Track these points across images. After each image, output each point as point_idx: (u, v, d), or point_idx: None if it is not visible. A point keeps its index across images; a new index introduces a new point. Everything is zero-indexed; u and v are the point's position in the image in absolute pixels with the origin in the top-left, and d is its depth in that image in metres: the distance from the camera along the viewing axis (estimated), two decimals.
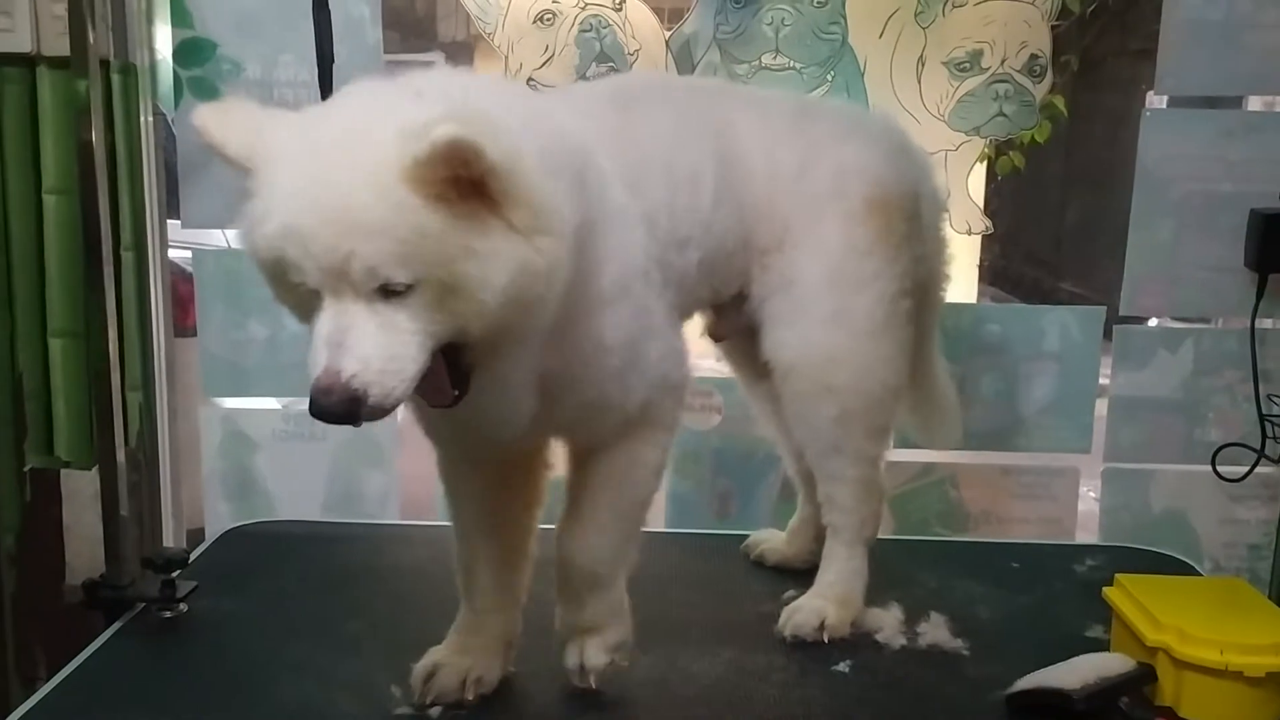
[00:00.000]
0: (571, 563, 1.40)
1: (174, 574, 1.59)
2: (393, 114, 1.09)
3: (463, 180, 1.06)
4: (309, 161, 1.09)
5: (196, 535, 2.18)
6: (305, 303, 1.12)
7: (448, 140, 1.03)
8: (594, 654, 1.41)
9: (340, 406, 1.06)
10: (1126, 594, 1.51)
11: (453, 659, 1.41)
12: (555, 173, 1.15)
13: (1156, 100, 2.19)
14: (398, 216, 1.05)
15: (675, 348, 1.43)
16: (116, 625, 1.58)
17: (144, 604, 1.60)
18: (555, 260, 1.13)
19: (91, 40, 1.67)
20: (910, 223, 1.63)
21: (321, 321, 1.09)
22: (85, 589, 1.62)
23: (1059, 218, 7.22)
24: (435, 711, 1.37)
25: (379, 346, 1.08)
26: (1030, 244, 7.48)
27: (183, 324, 2.24)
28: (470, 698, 1.38)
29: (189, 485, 2.21)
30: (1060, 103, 2.23)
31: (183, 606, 1.60)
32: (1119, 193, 2.14)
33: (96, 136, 1.68)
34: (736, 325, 1.66)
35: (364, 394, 1.06)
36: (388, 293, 1.07)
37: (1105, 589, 1.54)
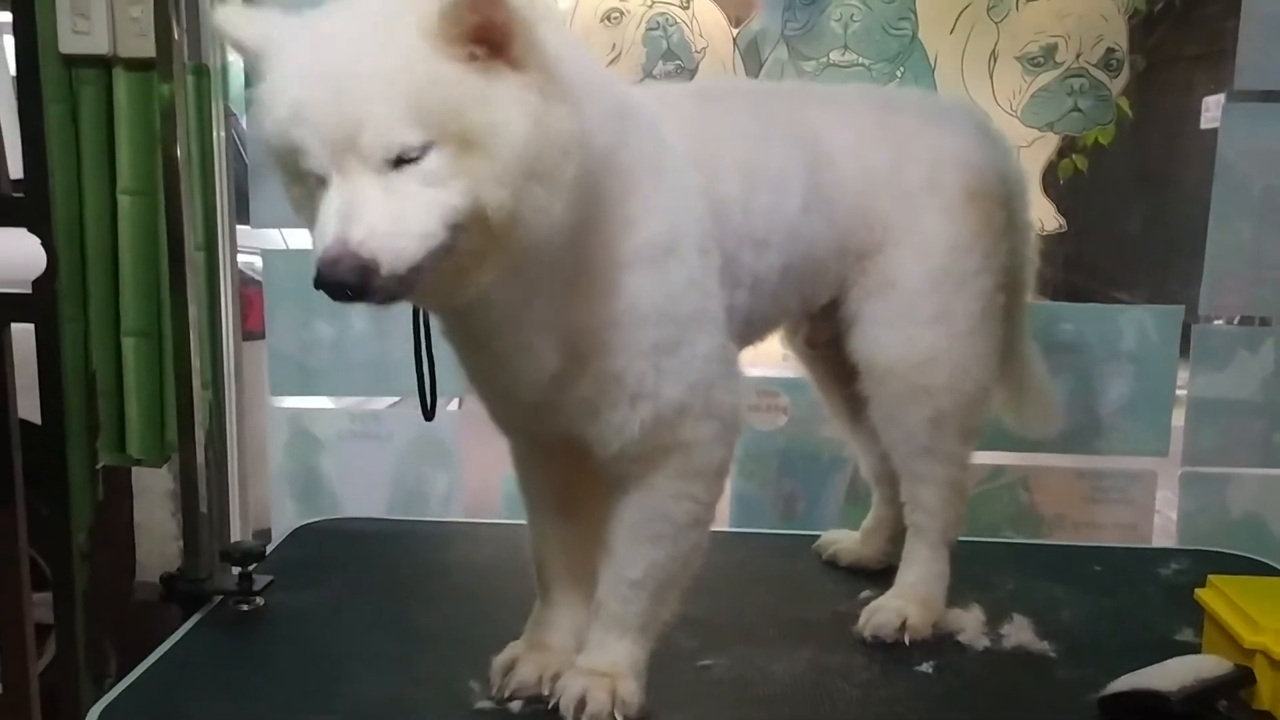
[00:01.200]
0: (604, 606, 1.35)
1: (250, 567, 1.60)
2: None
3: (487, 35, 1.05)
4: (318, 34, 1.09)
5: (263, 534, 2.20)
6: (315, 194, 1.09)
7: None
8: (599, 698, 1.30)
9: (350, 275, 1.02)
10: (1221, 595, 1.46)
11: (531, 653, 1.40)
12: (589, 90, 1.14)
13: (1214, 105, 2.14)
14: (411, 69, 1.04)
15: (732, 370, 1.36)
16: (195, 617, 1.59)
17: (221, 597, 1.61)
18: (571, 131, 1.10)
19: (177, 43, 1.68)
20: (1005, 211, 1.60)
21: (328, 196, 1.06)
22: (163, 582, 1.63)
23: (1124, 220, 7.11)
24: (515, 705, 1.36)
25: (388, 211, 1.04)
26: (1093, 247, 7.37)
27: (247, 327, 2.27)
28: (548, 691, 1.36)
29: (255, 484, 2.23)
30: (1125, 104, 2.18)
31: (259, 600, 1.61)
32: (1185, 195, 2.09)
33: (181, 139, 1.69)
34: (831, 331, 1.62)
35: (374, 261, 1.02)
36: (400, 163, 1.05)
37: (1198, 590, 1.50)
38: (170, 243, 1.73)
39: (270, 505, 2.24)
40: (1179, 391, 2.14)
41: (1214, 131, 2.05)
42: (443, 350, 1.78)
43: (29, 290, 2.08)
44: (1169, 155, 5.46)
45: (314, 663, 1.47)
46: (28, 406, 2.16)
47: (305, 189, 1.11)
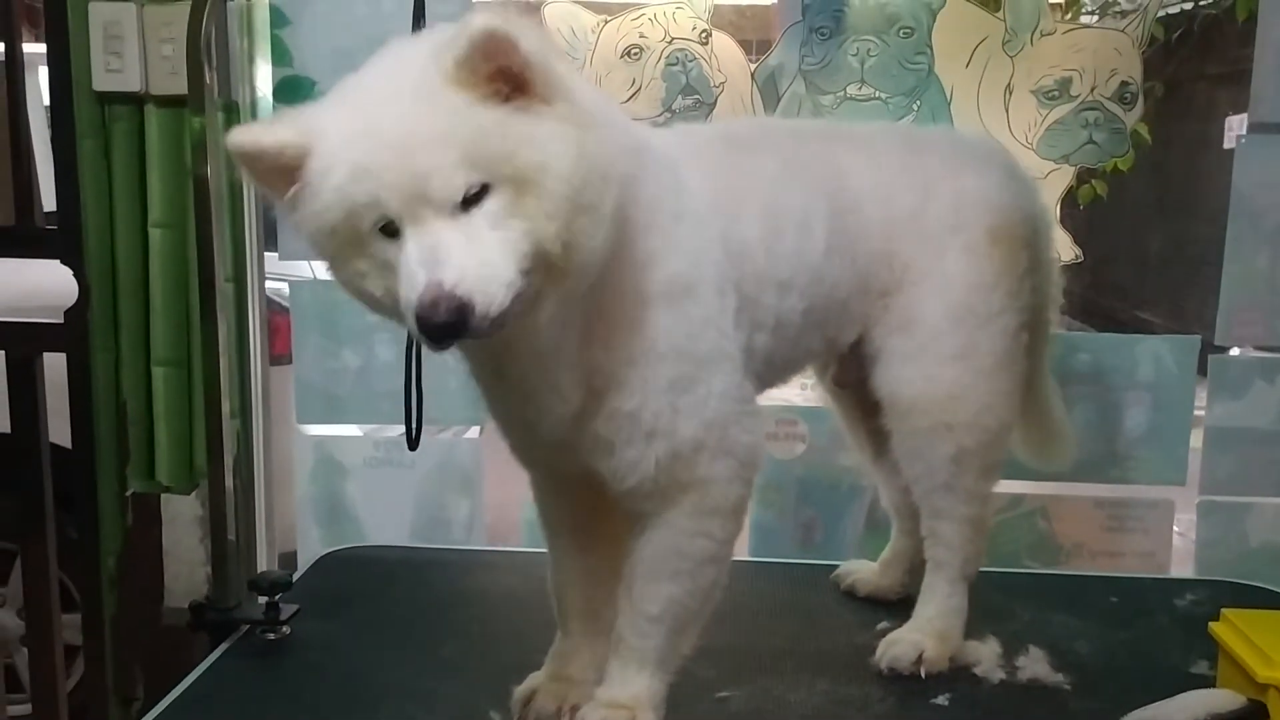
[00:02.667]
0: (623, 640, 1.37)
1: (277, 597, 1.63)
2: (422, 42, 1.14)
3: (507, 76, 1.09)
4: (358, 108, 1.12)
5: (289, 557, 2.23)
6: (380, 254, 1.11)
7: (482, 32, 1.07)
8: None
9: (451, 316, 1.05)
10: (1234, 629, 1.47)
11: (551, 684, 1.43)
12: (605, 119, 1.17)
13: (1238, 125, 2.15)
14: (455, 120, 1.08)
15: (749, 409, 1.37)
16: (224, 646, 1.62)
17: (249, 626, 1.64)
18: (605, 154, 1.14)
19: (209, 81, 1.72)
20: (1030, 251, 1.62)
21: (408, 248, 1.08)
22: (192, 610, 1.67)
23: (1144, 246, 7.10)
24: None
25: (473, 254, 1.07)
26: (1114, 273, 7.37)
27: (274, 352, 2.31)
28: None
29: (282, 508, 2.26)
30: (1144, 130, 2.20)
31: (286, 629, 1.64)
32: (1205, 220, 2.11)
33: (212, 172, 1.73)
34: (860, 371, 1.63)
35: (470, 302, 1.05)
36: (466, 204, 1.09)
37: (1212, 624, 1.51)
38: (201, 273, 1.76)
39: (297, 530, 2.27)
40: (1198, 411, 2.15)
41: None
42: (447, 379, 1.83)
43: (61, 320, 2.14)
44: (1191, 176, 5.45)
45: (339, 692, 1.50)
46: (59, 429, 2.21)
47: (366, 256, 1.12)
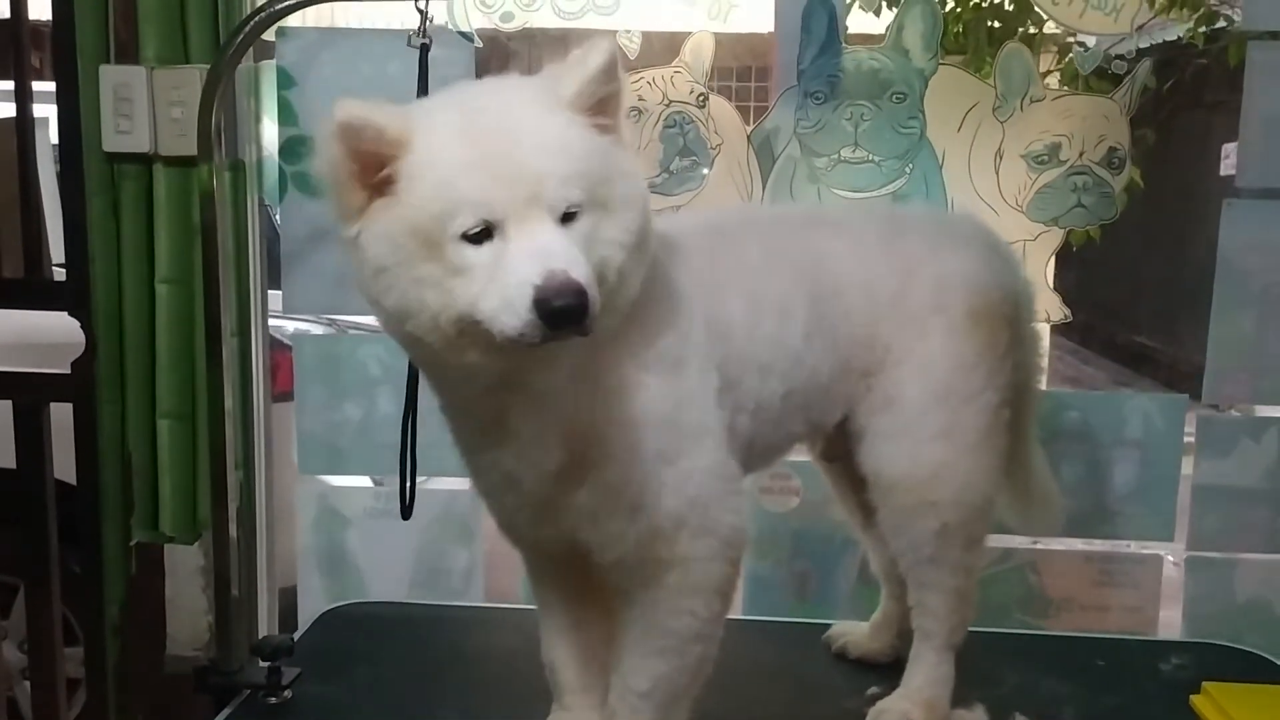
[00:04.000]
0: (616, 714, 1.40)
1: (280, 661, 1.66)
2: (521, 76, 1.24)
3: (606, 105, 1.18)
4: (468, 111, 1.17)
5: (288, 593, 2.26)
6: (456, 258, 1.13)
7: (610, 55, 1.16)
8: None
9: (576, 299, 1.09)
10: (1214, 703, 1.51)
11: None
12: None
13: (1234, 149, 2.17)
14: (574, 135, 1.16)
15: (733, 489, 1.39)
16: (226, 711, 1.65)
17: (250, 690, 1.67)
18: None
19: (219, 142, 1.75)
20: (1011, 329, 1.64)
21: (517, 244, 1.11)
22: (195, 674, 1.70)
23: (1140, 276, 7.18)
24: None
25: (578, 253, 1.13)
26: (1113, 300, 7.45)
27: (277, 389, 2.34)
28: None
29: (283, 551, 2.30)
30: (1137, 174, 2.24)
31: (288, 693, 1.67)
32: (1202, 249, 2.15)
33: (222, 231, 1.75)
34: (844, 446, 1.67)
35: (586, 290, 1.10)
36: (565, 219, 1.14)
37: (1193, 697, 1.55)
38: (207, 324, 1.79)
39: (299, 578, 2.30)
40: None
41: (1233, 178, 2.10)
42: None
43: (68, 371, 2.18)
44: (1188, 204, 5.50)
45: None
46: (64, 466, 2.24)
47: (438, 262, 1.13)
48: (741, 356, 1.44)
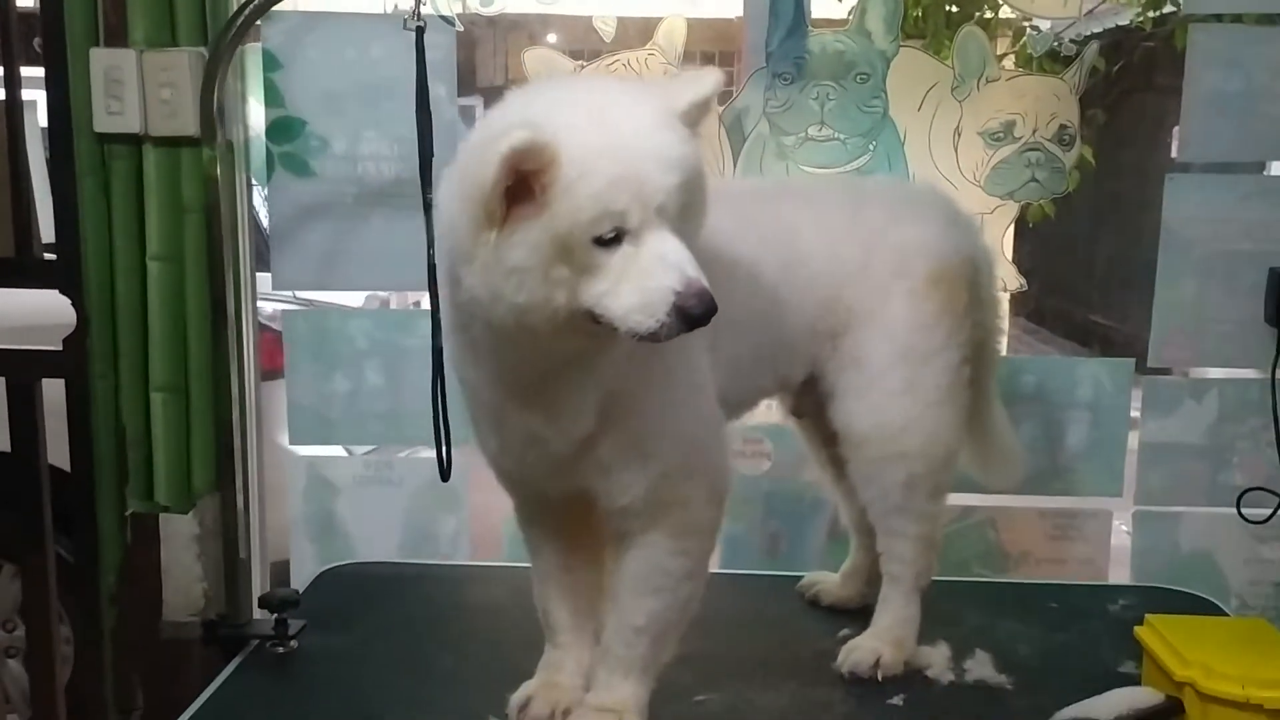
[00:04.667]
0: (611, 650, 1.51)
1: (286, 613, 1.75)
2: (630, 81, 1.39)
3: (698, 120, 1.31)
4: (603, 126, 1.26)
5: (280, 568, 2.34)
6: (588, 260, 1.24)
7: (718, 80, 1.30)
8: None
9: (709, 305, 1.24)
10: (1156, 633, 1.64)
11: (543, 691, 1.57)
12: None
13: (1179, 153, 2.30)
14: (690, 151, 1.28)
15: (722, 434, 1.53)
16: (237, 660, 1.73)
17: (259, 641, 1.76)
18: None
19: (221, 122, 1.81)
20: (970, 291, 1.75)
21: (654, 249, 1.24)
22: (205, 627, 1.78)
23: (1092, 256, 7.39)
24: None
25: (694, 259, 1.26)
26: (1068, 281, 7.67)
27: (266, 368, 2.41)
28: None
29: (274, 525, 2.37)
30: (1089, 153, 2.37)
31: (294, 643, 1.76)
32: (1147, 236, 2.27)
33: (225, 208, 1.83)
34: (813, 404, 1.78)
35: (712, 294, 1.24)
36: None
37: (1137, 628, 1.67)
38: (212, 300, 1.86)
39: (290, 545, 2.37)
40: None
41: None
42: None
43: (60, 348, 2.23)
44: (1139, 187, 5.68)
45: (348, 701, 1.63)
46: (57, 452, 2.30)
47: (570, 264, 1.24)
48: (720, 317, 1.54)
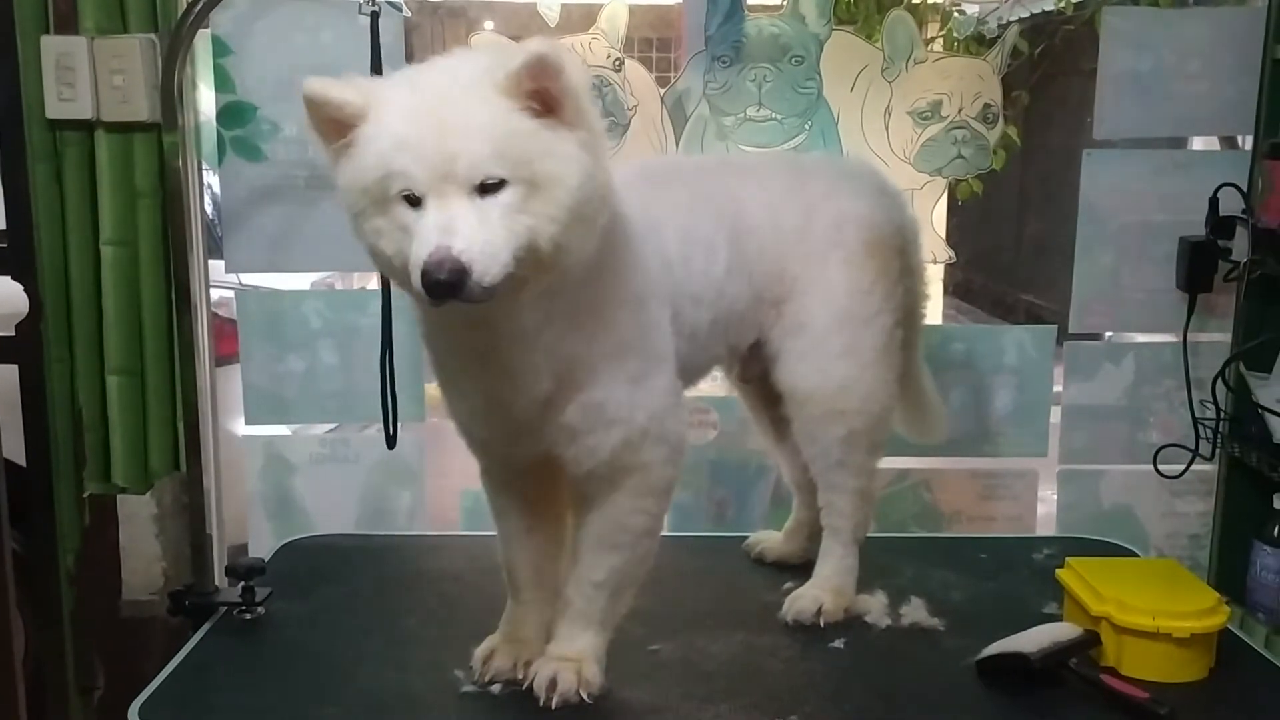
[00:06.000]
0: (571, 604, 1.59)
1: (253, 580, 1.81)
2: (485, 54, 1.38)
3: (544, 95, 1.30)
4: (414, 91, 1.32)
5: (240, 549, 2.38)
6: (399, 218, 1.29)
7: (538, 54, 1.29)
8: (568, 679, 1.54)
9: (451, 276, 1.23)
10: (1075, 574, 1.76)
11: (506, 645, 1.64)
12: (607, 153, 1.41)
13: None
14: (495, 118, 1.29)
15: (680, 402, 1.60)
16: (206, 626, 1.79)
17: (227, 607, 1.81)
18: (607, 183, 1.37)
19: (180, 107, 1.85)
20: (901, 259, 1.86)
21: (429, 216, 1.27)
22: (171, 597, 1.83)
23: (1018, 237, 7.61)
24: (496, 688, 1.60)
25: (479, 232, 1.26)
26: (998, 259, 7.87)
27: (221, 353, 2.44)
28: (523, 676, 1.60)
29: (230, 504, 2.41)
30: (1014, 133, 2.49)
31: (261, 609, 1.81)
32: (1070, 213, 2.39)
33: (188, 192, 1.88)
34: (759, 368, 1.87)
35: (469, 267, 1.24)
36: (484, 190, 1.28)
37: (1058, 570, 1.80)
38: (177, 283, 1.90)
39: (248, 523, 2.42)
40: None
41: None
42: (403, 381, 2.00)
43: (12, 333, 2.25)
44: (1062, 168, 5.87)
45: (317, 661, 1.69)
46: (11, 445, 2.31)
47: (388, 217, 1.30)
48: (680, 289, 1.63)
